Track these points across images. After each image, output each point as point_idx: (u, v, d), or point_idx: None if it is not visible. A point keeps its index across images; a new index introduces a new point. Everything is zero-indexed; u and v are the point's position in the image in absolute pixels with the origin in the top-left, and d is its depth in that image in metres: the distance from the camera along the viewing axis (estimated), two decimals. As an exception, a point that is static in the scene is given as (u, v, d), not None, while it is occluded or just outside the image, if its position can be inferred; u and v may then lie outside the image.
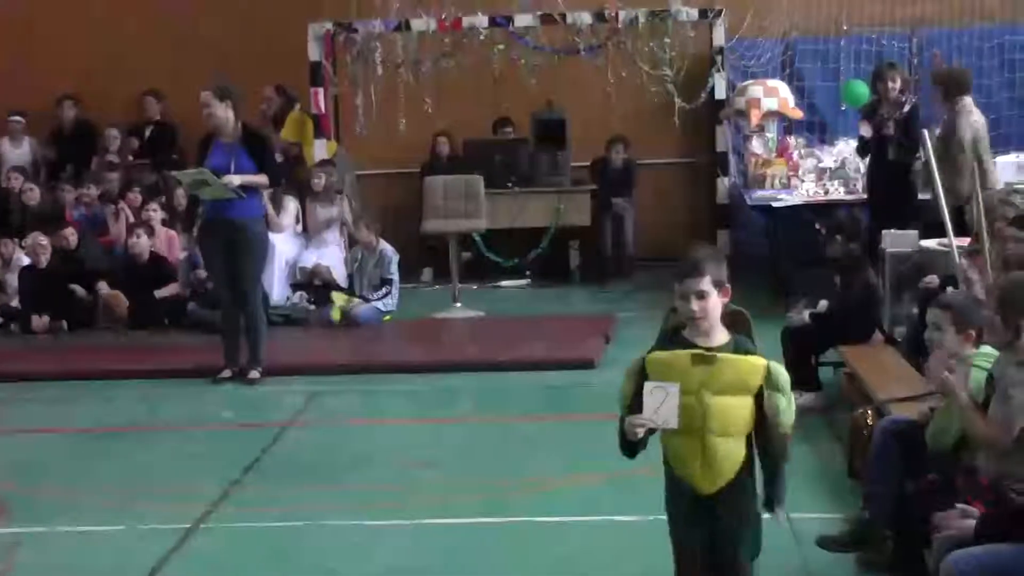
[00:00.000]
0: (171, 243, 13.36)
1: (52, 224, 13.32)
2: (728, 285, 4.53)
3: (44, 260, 12.95)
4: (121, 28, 15.69)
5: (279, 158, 14.10)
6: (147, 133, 15.67)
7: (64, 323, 12.69)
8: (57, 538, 6.95)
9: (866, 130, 11.70)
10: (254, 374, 10.36)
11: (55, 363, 11.35)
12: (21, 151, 15.58)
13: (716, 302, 4.51)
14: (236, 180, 9.93)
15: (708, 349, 4.49)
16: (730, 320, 4.57)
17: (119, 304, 12.71)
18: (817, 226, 9.29)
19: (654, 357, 4.55)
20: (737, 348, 4.51)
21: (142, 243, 12.96)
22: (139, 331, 12.46)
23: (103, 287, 12.85)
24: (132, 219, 13.73)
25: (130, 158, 15.46)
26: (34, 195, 14.28)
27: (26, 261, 13.04)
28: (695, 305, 4.48)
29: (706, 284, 4.49)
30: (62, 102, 15.63)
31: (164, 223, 13.58)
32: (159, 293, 12.79)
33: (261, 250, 10.38)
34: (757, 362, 4.47)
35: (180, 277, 12.86)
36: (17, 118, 15.45)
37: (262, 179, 10.10)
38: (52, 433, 9.39)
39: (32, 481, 8.04)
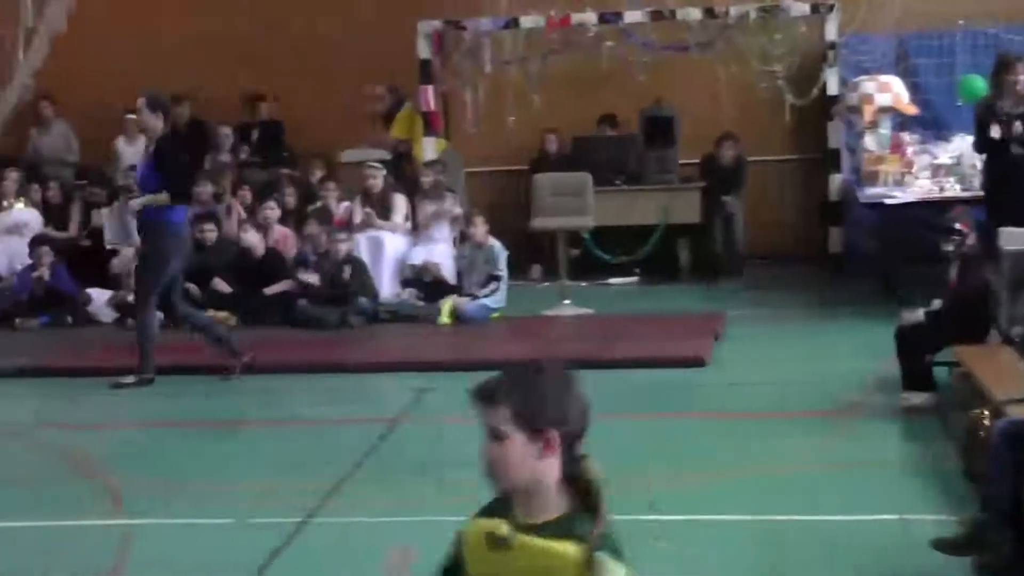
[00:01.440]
0: (286, 241, 13.49)
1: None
2: (557, 432, 3.03)
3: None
4: (235, 29, 15.87)
5: (388, 155, 14.25)
6: (255, 133, 15.82)
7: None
8: (169, 530, 7.04)
9: (996, 132, 11.34)
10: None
11: (167, 357, 11.49)
12: (136, 148, 15.80)
13: (520, 453, 3.04)
14: (137, 204, 10.32)
15: (522, 525, 3.09)
16: (578, 487, 3.09)
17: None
18: (955, 224, 9.06)
19: (464, 530, 3.34)
20: (564, 529, 3.03)
21: (254, 239, 13.11)
22: (249, 327, 12.60)
23: (218, 283, 13.02)
24: (244, 216, 13.90)
25: (242, 156, 15.64)
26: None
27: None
28: (486, 452, 3.11)
29: (502, 420, 3.06)
30: (178, 101, 15.83)
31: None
32: (269, 290, 12.92)
33: (156, 258, 10.36)
34: (566, 551, 2.98)
35: (292, 274, 13.01)
36: (133, 116, 15.67)
37: (162, 197, 10.21)
38: (164, 426, 9.53)
39: (145, 473, 8.15)
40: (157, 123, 10.34)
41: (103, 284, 13.55)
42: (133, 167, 10.63)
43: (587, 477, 3.09)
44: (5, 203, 14.19)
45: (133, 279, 10.52)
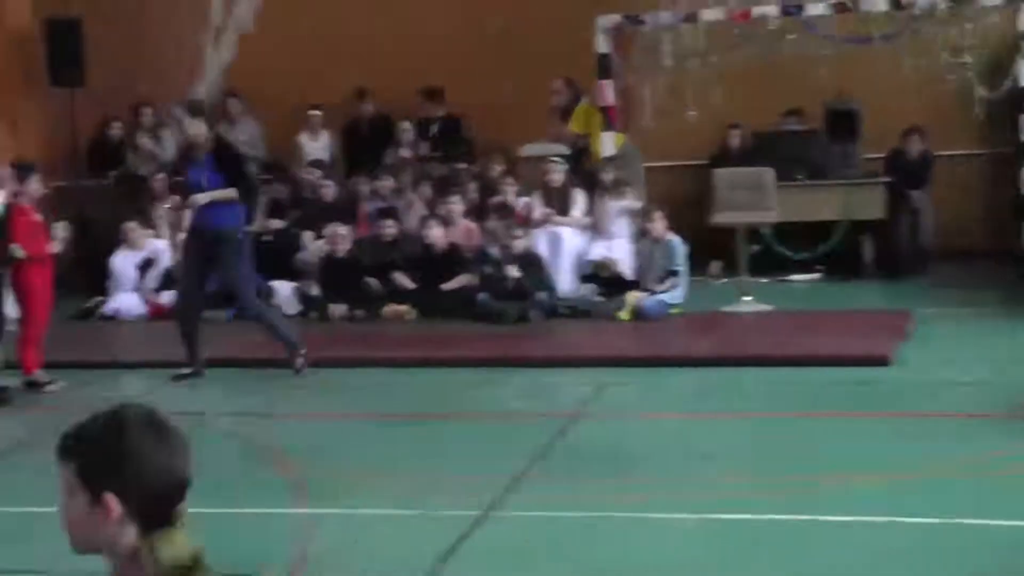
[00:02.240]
0: (469, 234, 13.58)
1: (347, 215, 13.75)
2: (116, 497, 2.62)
3: (342, 250, 13.37)
4: (415, 25, 16.01)
5: (568, 150, 14.23)
6: (434, 128, 15.94)
7: (360, 311, 13.06)
8: (353, 520, 7.12)
9: None
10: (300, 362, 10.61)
11: (349, 350, 11.68)
12: (319, 144, 16.08)
13: (81, 515, 2.67)
14: (203, 198, 10.30)
15: None
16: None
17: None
18: None
19: None
20: None
21: (436, 234, 13.24)
22: (429, 320, 12.73)
23: (399, 277, 13.18)
24: (425, 211, 14.03)
25: (422, 151, 15.79)
26: (329, 192, 14.73)
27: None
28: (60, 507, 2.72)
29: (69, 476, 2.70)
30: (360, 96, 16.05)
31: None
32: (449, 285, 13.02)
33: (238, 256, 10.62)
34: None
35: (473, 268, 13.09)
36: (316, 112, 15.95)
37: (223, 193, 10.35)
38: (347, 418, 9.66)
39: (328, 464, 8.27)
40: (200, 129, 10.49)
41: (288, 276, 13.79)
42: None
43: (154, 555, 2.64)
44: (189, 200, 14.51)
45: (224, 280, 10.83)
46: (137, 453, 2.62)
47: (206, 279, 10.78)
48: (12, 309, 10.48)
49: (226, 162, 10.55)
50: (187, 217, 10.93)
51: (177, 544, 2.67)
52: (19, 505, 7.58)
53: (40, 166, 11.17)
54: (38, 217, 10.59)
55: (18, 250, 10.25)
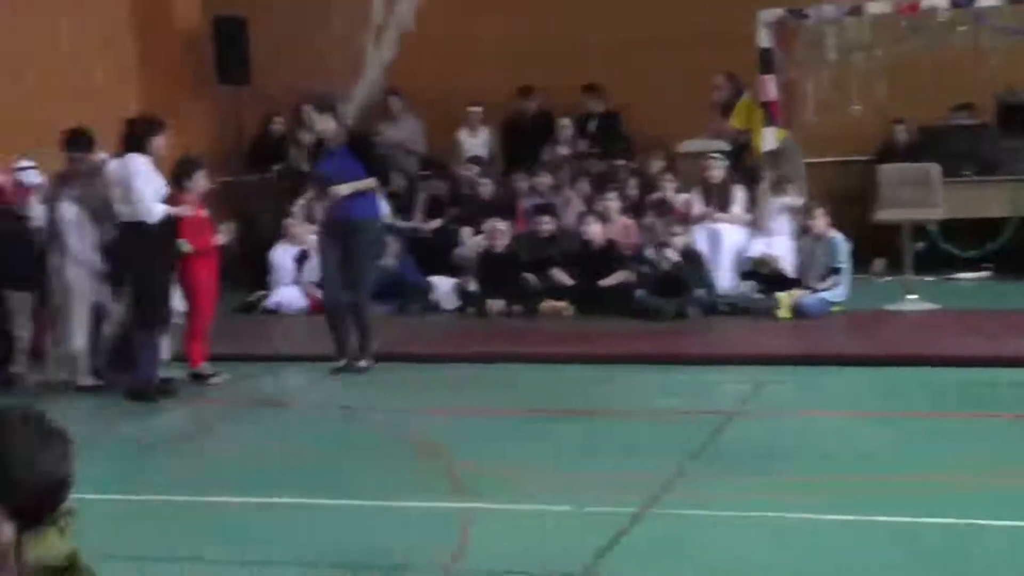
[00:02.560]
0: (626, 231, 13.52)
1: (505, 212, 13.79)
2: None
3: (501, 245, 13.41)
4: (572, 21, 15.99)
5: (728, 146, 14.07)
6: (593, 124, 15.90)
7: (518, 307, 13.09)
8: (507, 516, 7.12)
9: None
10: (363, 363, 10.74)
11: (506, 345, 11.70)
12: (478, 141, 16.15)
13: None
14: (345, 190, 10.41)
15: None
16: None
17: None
18: None
19: None
20: None
21: (594, 231, 13.20)
22: (586, 317, 12.70)
23: (557, 273, 13.17)
24: (583, 208, 14.01)
25: (580, 148, 15.77)
26: (486, 189, 14.79)
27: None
28: None
29: None
30: (525, 93, 16.05)
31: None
32: (606, 281, 12.98)
33: (372, 247, 10.99)
34: None
35: (632, 265, 13.03)
36: (475, 108, 16.01)
37: (366, 183, 10.56)
38: (502, 413, 9.67)
39: (483, 459, 8.28)
40: (329, 124, 10.67)
41: (447, 272, 13.88)
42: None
43: (24, 554, 2.55)
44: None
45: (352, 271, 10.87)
46: (13, 454, 2.57)
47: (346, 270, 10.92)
48: (179, 303, 10.70)
49: (363, 152, 10.74)
50: (319, 211, 11.07)
51: (49, 544, 2.60)
52: (170, 493, 7.74)
53: (206, 162, 11.38)
54: (204, 212, 10.81)
55: (185, 244, 10.47)
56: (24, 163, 10.89)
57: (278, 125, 16.24)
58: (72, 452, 2.67)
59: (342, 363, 10.89)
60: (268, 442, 9.12)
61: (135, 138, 10.16)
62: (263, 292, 14.18)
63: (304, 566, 6.43)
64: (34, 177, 10.83)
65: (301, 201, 14.41)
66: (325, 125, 10.74)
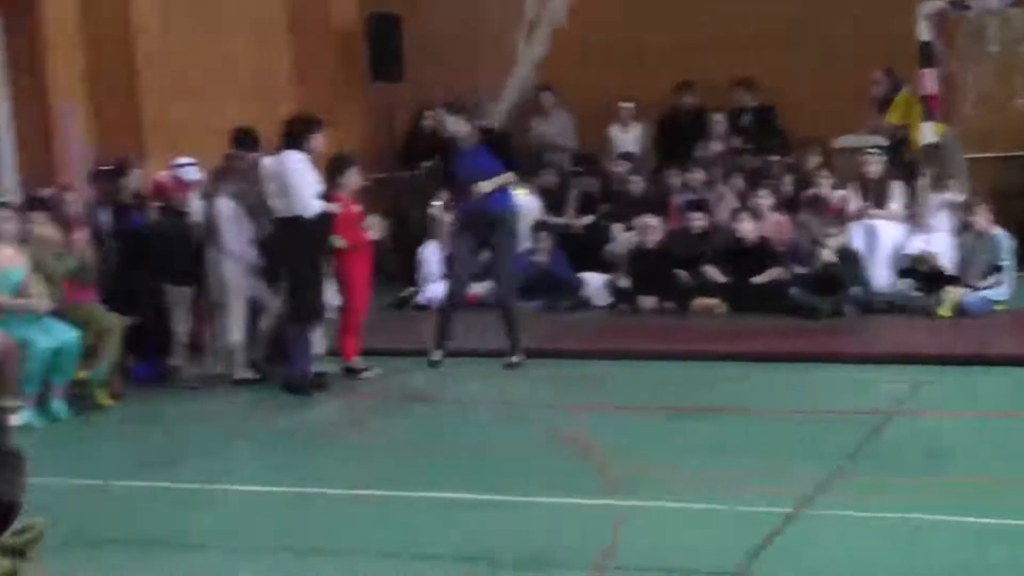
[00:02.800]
0: (780, 228, 13.32)
1: (657, 208, 13.71)
2: None
3: (652, 242, 13.32)
4: (726, 14, 15.82)
5: (886, 141, 13.81)
6: (747, 119, 15.71)
7: (669, 304, 12.99)
8: (659, 514, 7.04)
9: None
10: (515, 359, 10.82)
11: (658, 342, 11.62)
12: (630, 136, 16.07)
13: None
14: (488, 187, 10.55)
15: None
16: None
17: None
18: None
19: None
20: None
21: (747, 228, 13.05)
22: (739, 314, 12.54)
23: (709, 270, 13.04)
24: (736, 204, 13.85)
25: (734, 143, 15.59)
26: (638, 185, 14.70)
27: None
28: None
29: None
30: (682, 89, 15.91)
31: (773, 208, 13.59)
32: (759, 278, 12.81)
33: (513, 240, 11.20)
34: None
35: (786, 262, 12.84)
36: (627, 104, 15.93)
37: (504, 178, 10.74)
38: (653, 411, 9.58)
39: (634, 457, 8.22)
40: (461, 125, 10.85)
41: (598, 269, 13.83)
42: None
43: None
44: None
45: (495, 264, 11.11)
46: None
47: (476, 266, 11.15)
48: (333, 297, 10.82)
49: (499, 149, 10.92)
50: (453, 209, 11.14)
51: None
52: (322, 486, 7.80)
53: (359, 159, 11.49)
54: (357, 208, 10.91)
55: (338, 240, 10.58)
56: (184, 160, 11.10)
57: (429, 120, 16.31)
58: (22, 478, 2.72)
59: (438, 356, 10.96)
60: (419, 437, 9.17)
61: (294, 136, 10.31)
62: (415, 288, 14.28)
63: (457, 561, 6.44)
64: (193, 174, 11.04)
65: (438, 201, 14.49)
66: (458, 126, 10.89)
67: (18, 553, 2.74)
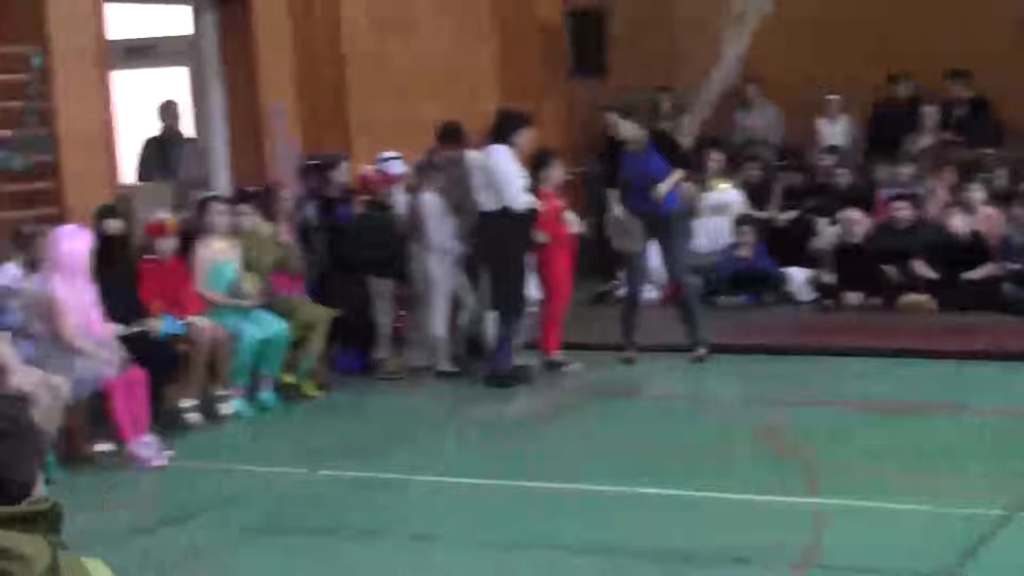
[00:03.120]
0: (991, 222, 12.91)
1: (863, 202, 13.43)
2: None
3: (858, 236, 13.05)
4: (940, 3, 15.41)
5: None
6: (960, 112, 15.26)
7: (875, 300, 12.71)
8: (863, 514, 6.90)
9: None
10: (701, 351, 10.78)
11: (863, 339, 11.39)
12: (837, 129, 15.77)
13: None
14: (665, 188, 10.64)
15: None
16: None
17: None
18: None
19: None
20: None
21: (958, 222, 12.69)
22: (948, 312, 12.20)
23: (918, 266, 12.71)
24: (948, 198, 13.47)
25: (945, 136, 15.17)
26: (844, 178, 14.41)
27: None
28: None
29: None
30: (893, 80, 15.53)
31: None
32: (971, 274, 12.44)
33: (684, 237, 11.54)
34: None
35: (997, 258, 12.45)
36: (834, 96, 15.64)
37: (675, 176, 10.83)
38: (856, 407, 9.41)
39: (836, 454, 8.08)
40: (631, 129, 10.91)
41: (802, 263, 13.60)
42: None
43: None
44: (710, 183, 14.60)
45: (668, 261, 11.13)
46: None
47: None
48: (535, 291, 10.86)
49: (667, 148, 11.01)
50: (617, 207, 11.07)
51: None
52: (519, 479, 7.84)
53: (561, 154, 11.52)
54: (559, 202, 10.93)
55: (541, 234, 10.61)
56: (388, 154, 11.27)
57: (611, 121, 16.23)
58: (39, 456, 2.95)
59: (631, 353, 10.97)
60: (617, 432, 9.16)
61: (503, 131, 10.41)
62: (615, 282, 14.24)
63: (654, 558, 6.40)
64: (398, 168, 11.20)
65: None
66: (629, 129, 10.94)
67: (53, 528, 2.87)
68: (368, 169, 11.41)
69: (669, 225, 10.91)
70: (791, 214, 14.43)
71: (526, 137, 10.54)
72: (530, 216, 10.45)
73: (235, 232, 10.25)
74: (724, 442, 8.60)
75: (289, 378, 10.19)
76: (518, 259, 10.46)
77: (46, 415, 8.03)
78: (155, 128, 12.17)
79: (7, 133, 10.54)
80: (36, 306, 8.59)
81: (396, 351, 11.16)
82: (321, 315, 10.47)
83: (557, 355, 10.90)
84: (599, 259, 14.22)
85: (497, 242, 10.37)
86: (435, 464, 8.49)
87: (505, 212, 10.29)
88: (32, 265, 8.94)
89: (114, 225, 9.63)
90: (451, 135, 11.01)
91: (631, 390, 10.42)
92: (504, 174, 10.28)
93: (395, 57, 14.11)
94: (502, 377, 10.38)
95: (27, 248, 9.07)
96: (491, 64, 15.52)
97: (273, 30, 13.06)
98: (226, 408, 9.74)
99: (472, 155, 10.73)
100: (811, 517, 6.85)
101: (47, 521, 2.91)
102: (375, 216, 11.12)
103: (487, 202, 10.38)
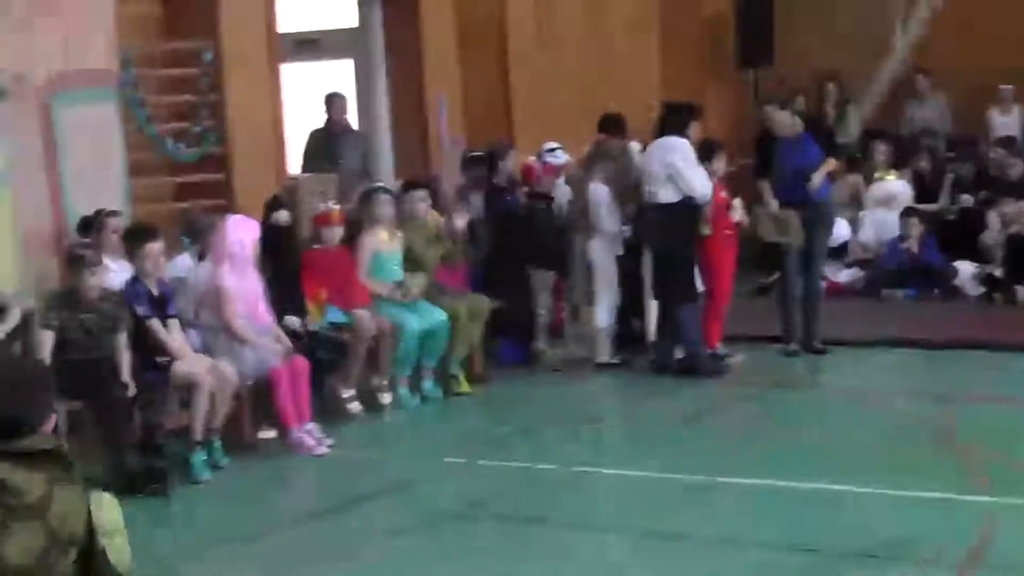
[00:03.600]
0: None
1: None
2: None
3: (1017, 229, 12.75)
4: None
5: None
6: None
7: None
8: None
9: None
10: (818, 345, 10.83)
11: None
12: (1010, 119, 15.37)
13: None
14: (819, 177, 10.61)
15: None
16: None
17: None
18: None
19: None
20: None
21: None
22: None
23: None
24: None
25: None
26: (1016, 170, 14.01)
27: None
28: None
29: None
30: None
31: None
32: None
33: (830, 229, 11.40)
34: None
35: None
36: (1007, 86, 15.23)
37: (828, 166, 10.80)
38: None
39: (1008, 452, 7.88)
40: (786, 118, 10.88)
41: (972, 257, 13.29)
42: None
43: None
44: (876, 175, 14.35)
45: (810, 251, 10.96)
46: None
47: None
48: (698, 283, 10.77)
49: (820, 136, 10.99)
50: (771, 200, 10.90)
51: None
52: (693, 473, 7.79)
53: (725, 145, 11.43)
54: (723, 194, 10.83)
55: (705, 227, 10.53)
56: (551, 145, 11.28)
57: (798, 105, 16.02)
58: (26, 396, 3.38)
59: (794, 347, 10.87)
60: (782, 424, 9.07)
61: (676, 123, 10.39)
62: (779, 274, 14.06)
63: (819, 552, 6.32)
64: (560, 158, 11.20)
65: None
66: (784, 120, 10.89)
67: (60, 466, 3.36)
68: (531, 160, 11.44)
69: (819, 215, 10.81)
70: (960, 206, 14.10)
71: (696, 129, 10.55)
72: (697, 208, 10.40)
73: (408, 220, 10.31)
74: (892, 437, 8.46)
75: (451, 369, 10.26)
76: (691, 249, 10.43)
77: (213, 402, 8.24)
78: (320, 120, 12.34)
79: (180, 126, 10.81)
80: (204, 295, 8.79)
81: (556, 343, 11.17)
82: (482, 306, 10.52)
83: (720, 348, 10.81)
84: (762, 250, 14.08)
85: (673, 232, 10.31)
86: (594, 456, 8.49)
87: (684, 203, 10.26)
88: (202, 255, 9.15)
89: (283, 216, 9.79)
90: (613, 125, 10.99)
91: (795, 383, 10.30)
92: (689, 166, 10.26)
93: (558, 48, 14.13)
94: (695, 366, 10.33)
95: (198, 239, 9.28)
96: (655, 55, 15.44)
97: (438, 22, 13.18)
98: (387, 398, 9.85)
99: (636, 145, 10.73)
100: (977, 514, 6.70)
101: (51, 458, 3.33)
102: (537, 207, 11.14)
103: (664, 193, 10.30)
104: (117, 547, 3.43)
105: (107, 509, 3.45)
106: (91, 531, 3.38)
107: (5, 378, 3.49)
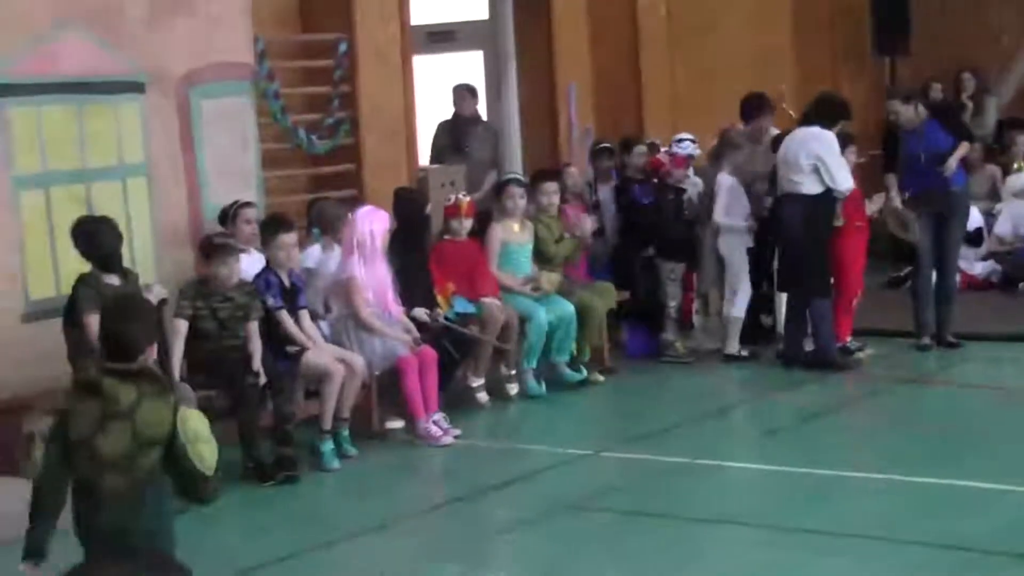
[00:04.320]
0: None
1: None
2: None
3: None
4: None
5: None
6: None
7: None
8: None
9: None
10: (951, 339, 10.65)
11: None
12: None
13: None
14: (953, 164, 10.37)
15: None
16: None
17: None
18: None
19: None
20: None
21: None
22: None
23: None
24: None
25: None
26: None
27: None
28: None
29: None
30: None
31: None
32: None
33: (965, 219, 10.99)
34: None
35: None
36: None
37: (963, 149, 10.52)
38: None
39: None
40: (912, 110, 10.63)
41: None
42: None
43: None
44: (1014, 166, 14.04)
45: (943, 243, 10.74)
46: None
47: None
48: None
49: (950, 121, 10.74)
50: (896, 196, 10.69)
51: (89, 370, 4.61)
52: (823, 467, 7.71)
53: (857, 135, 11.28)
54: (856, 188, 10.66)
55: (837, 218, 10.39)
56: (681, 135, 11.22)
57: (935, 92, 15.72)
58: (134, 327, 4.53)
59: (926, 341, 10.69)
60: (914, 419, 8.95)
61: (827, 114, 10.32)
62: (911, 267, 13.84)
63: (971, 551, 6.22)
64: (690, 149, 11.13)
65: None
66: (908, 114, 10.63)
67: (150, 382, 4.49)
68: (661, 151, 11.39)
69: (954, 204, 10.58)
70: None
71: (841, 127, 10.41)
72: (833, 200, 10.28)
73: (539, 212, 10.34)
74: (1004, 431, 8.32)
75: (579, 359, 10.27)
76: (826, 241, 10.31)
77: (342, 392, 8.35)
78: (449, 111, 12.42)
79: (313, 117, 10.96)
80: (334, 285, 8.91)
81: (684, 334, 11.12)
82: (609, 297, 10.52)
83: (849, 342, 10.67)
84: (893, 244, 13.88)
85: (812, 225, 10.20)
86: (720, 449, 8.45)
87: (826, 195, 10.16)
88: (333, 246, 9.27)
89: (412, 207, 9.86)
90: (755, 106, 10.94)
91: (927, 378, 10.13)
92: (836, 158, 10.15)
93: (690, 39, 14.05)
94: (827, 359, 10.23)
95: (329, 230, 9.40)
96: (790, 41, 15.26)
97: (569, 12, 13.18)
98: (514, 388, 9.89)
99: (774, 133, 10.73)
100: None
101: (145, 377, 4.44)
102: (666, 198, 11.09)
103: (807, 184, 10.18)
104: (198, 452, 4.43)
105: (192, 420, 4.47)
106: (174, 436, 4.38)
107: (123, 311, 4.58)
